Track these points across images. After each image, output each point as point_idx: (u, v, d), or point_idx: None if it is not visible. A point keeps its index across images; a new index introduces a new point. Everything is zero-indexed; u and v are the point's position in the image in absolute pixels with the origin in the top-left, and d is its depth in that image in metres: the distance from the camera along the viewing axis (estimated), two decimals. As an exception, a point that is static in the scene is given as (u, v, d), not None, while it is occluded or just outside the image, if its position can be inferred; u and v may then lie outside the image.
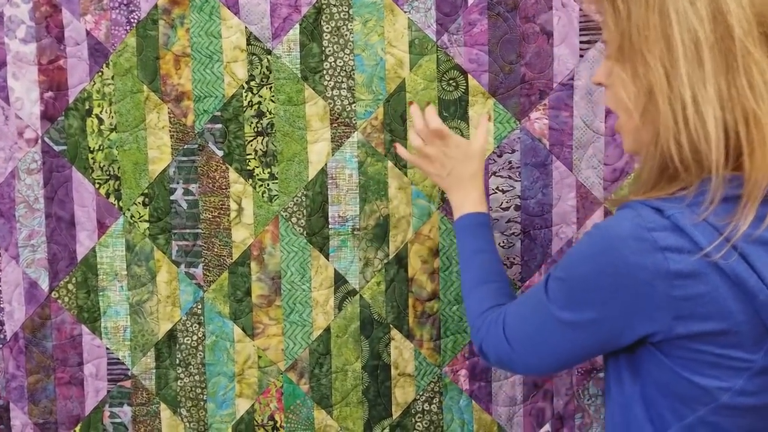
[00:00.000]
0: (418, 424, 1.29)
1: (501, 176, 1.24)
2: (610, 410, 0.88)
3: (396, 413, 1.29)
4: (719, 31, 0.75)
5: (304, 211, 1.27)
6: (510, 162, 1.24)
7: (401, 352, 1.28)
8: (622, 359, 0.83)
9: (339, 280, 1.27)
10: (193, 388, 1.31)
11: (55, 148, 1.29)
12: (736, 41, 0.75)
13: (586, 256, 0.79)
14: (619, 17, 0.81)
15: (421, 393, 1.28)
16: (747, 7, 0.75)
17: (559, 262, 0.85)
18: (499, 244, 1.25)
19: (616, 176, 1.23)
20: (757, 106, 0.75)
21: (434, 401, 1.28)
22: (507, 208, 1.25)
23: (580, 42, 1.22)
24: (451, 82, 1.24)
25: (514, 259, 1.25)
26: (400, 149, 1.14)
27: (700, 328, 0.75)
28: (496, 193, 1.25)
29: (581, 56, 1.22)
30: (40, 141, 1.29)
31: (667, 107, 0.77)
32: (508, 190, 1.25)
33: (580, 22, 1.21)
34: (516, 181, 1.24)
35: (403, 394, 1.28)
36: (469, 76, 1.23)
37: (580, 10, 1.21)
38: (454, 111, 1.24)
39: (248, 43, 1.25)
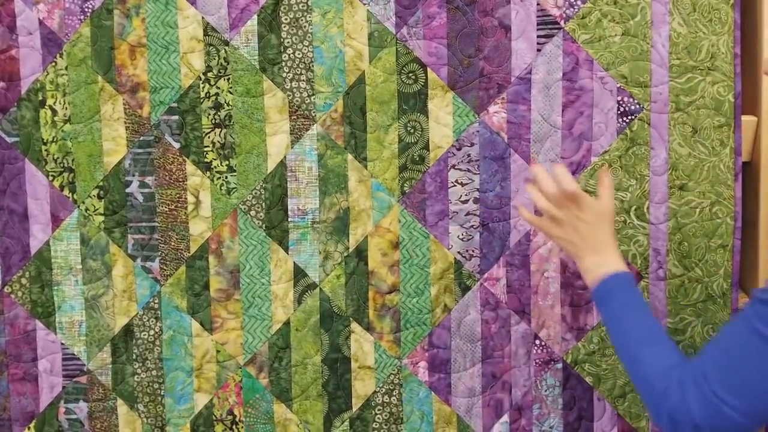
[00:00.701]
0: (378, 416, 1.29)
1: (460, 169, 1.25)
2: None
3: (356, 405, 1.29)
4: None
5: (263, 204, 1.26)
6: (469, 155, 1.25)
7: (361, 345, 1.28)
8: None
9: (299, 273, 1.27)
10: (151, 384, 1.29)
11: (8, 139, 1.26)
12: None
13: None
14: None
15: (381, 385, 1.29)
16: None
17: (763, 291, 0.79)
18: (458, 236, 1.26)
19: (572, 169, 1.25)
20: None
21: (394, 393, 1.29)
22: (466, 201, 1.25)
23: (538, 36, 1.23)
24: (410, 75, 1.24)
25: (473, 251, 1.26)
26: (523, 211, 1.11)
27: None
28: (455, 186, 1.25)
29: (539, 50, 1.23)
30: (-10, 132, 1.26)
31: None
32: (467, 183, 1.25)
33: (538, 17, 1.22)
34: (475, 174, 1.25)
35: (363, 386, 1.29)
36: (429, 69, 1.24)
37: (538, 4, 1.22)
38: (414, 104, 1.24)
39: (205, 34, 1.24)
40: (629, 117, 1.23)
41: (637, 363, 0.93)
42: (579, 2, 1.22)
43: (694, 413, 0.83)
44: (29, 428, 1.31)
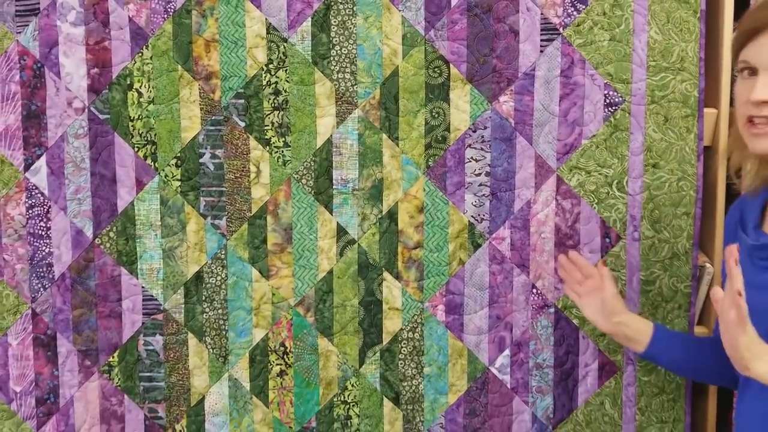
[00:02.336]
0: (404, 349, 1.57)
1: (474, 148, 1.53)
2: None
3: (386, 340, 1.57)
4: None
5: (312, 173, 1.53)
6: (482, 136, 1.52)
7: (391, 290, 1.56)
8: None
9: (341, 231, 1.55)
10: (216, 320, 1.57)
11: (100, 116, 1.52)
12: None
13: None
14: None
15: (406, 324, 1.57)
16: None
17: None
18: (472, 203, 1.54)
19: (566, 150, 1.53)
20: None
21: (417, 330, 1.57)
22: (479, 174, 1.53)
23: (541, 40, 1.50)
24: (436, 69, 1.51)
25: (483, 215, 1.54)
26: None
27: None
28: (470, 162, 1.53)
29: (541, 51, 1.50)
30: (86, 110, 1.52)
31: None
32: (480, 160, 1.53)
33: (541, 24, 1.49)
34: (486, 152, 1.53)
35: (391, 324, 1.57)
36: (451, 65, 1.51)
37: (542, 14, 1.49)
38: (438, 94, 1.51)
39: (267, 32, 1.50)
40: (613, 107, 1.51)
41: None
42: (575, 13, 1.49)
43: None
44: (113, 357, 1.58)
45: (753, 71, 1.12)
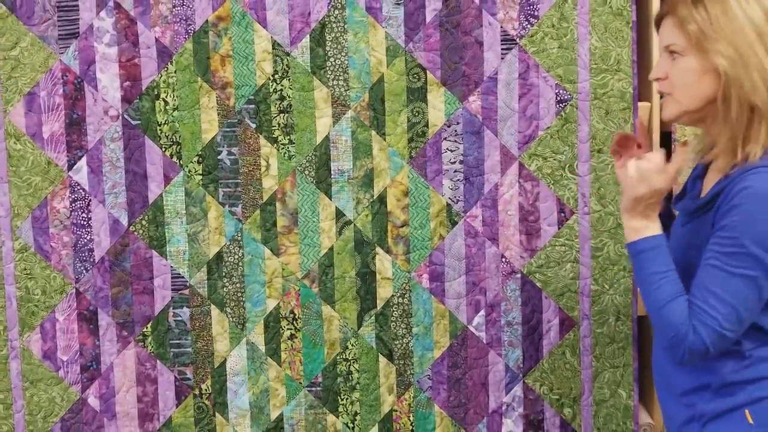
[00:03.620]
0: (395, 312, 1.86)
1: (449, 140, 1.82)
2: None
3: (379, 305, 1.85)
4: None
5: (314, 165, 1.81)
6: (456, 131, 1.82)
7: (383, 262, 1.84)
8: None
9: (339, 214, 1.83)
10: (235, 293, 1.84)
11: (132, 122, 1.79)
12: None
13: (760, 214, 1.16)
14: (698, 23, 1.22)
15: (396, 291, 1.85)
16: None
17: (731, 243, 1.18)
18: (449, 187, 1.83)
19: (526, 140, 1.82)
20: None
21: (405, 296, 1.85)
22: (454, 162, 1.82)
23: (501, 49, 1.80)
24: (415, 75, 1.80)
25: (459, 197, 1.83)
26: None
27: None
28: (446, 152, 1.82)
29: (502, 58, 1.80)
30: (120, 117, 1.79)
31: (753, 75, 1.19)
32: (454, 150, 1.82)
33: (501, 36, 1.79)
34: (459, 144, 1.82)
35: (384, 291, 1.85)
36: (428, 71, 1.80)
37: (501, 27, 1.79)
38: (417, 96, 1.80)
39: (273, 48, 1.78)
40: (563, 103, 1.81)
41: (663, 315, 1.24)
42: (529, 26, 1.79)
43: (707, 344, 1.20)
44: (147, 327, 1.85)
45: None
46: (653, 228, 1.30)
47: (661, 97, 1.35)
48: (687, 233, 1.34)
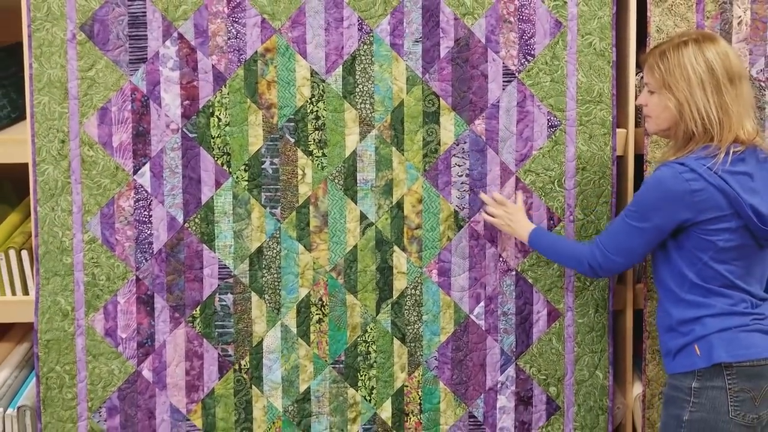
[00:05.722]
0: (408, 302, 2.18)
1: (458, 157, 2.15)
2: (663, 283, 1.80)
3: (395, 295, 2.18)
4: (714, 76, 1.71)
5: (342, 175, 2.14)
6: (463, 149, 2.15)
7: (399, 259, 2.17)
8: (669, 243, 1.76)
9: (363, 217, 2.15)
10: (273, 282, 2.15)
11: (190, 135, 2.11)
12: (720, 80, 1.71)
13: (650, 191, 1.72)
14: (661, 71, 1.75)
15: (410, 283, 2.17)
16: (721, 64, 1.71)
17: (630, 204, 1.78)
18: (456, 196, 2.16)
19: (522, 158, 2.16)
20: (727, 111, 1.71)
21: (417, 288, 2.18)
22: (461, 175, 2.16)
23: (503, 81, 2.14)
24: (430, 101, 2.14)
25: (465, 205, 2.16)
26: (485, 215, 2.12)
27: (707, 216, 1.69)
28: (455, 167, 2.16)
29: (503, 89, 2.14)
30: (180, 131, 2.11)
31: (693, 111, 1.71)
32: (462, 165, 2.16)
33: (503, 70, 2.14)
34: (466, 160, 2.16)
35: (399, 284, 2.17)
36: (441, 98, 2.14)
37: (503, 63, 2.13)
38: (432, 118, 2.14)
39: (311, 75, 2.11)
40: (554, 128, 2.15)
41: (568, 258, 1.93)
42: (526, 62, 2.14)
43: (600, 265, 1.83)
44: (196, 310, 2.15)
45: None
46: (530, 227, 2.04)
47: (644, 118, 1.90)
48: None
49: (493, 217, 2.09)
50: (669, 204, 1.72)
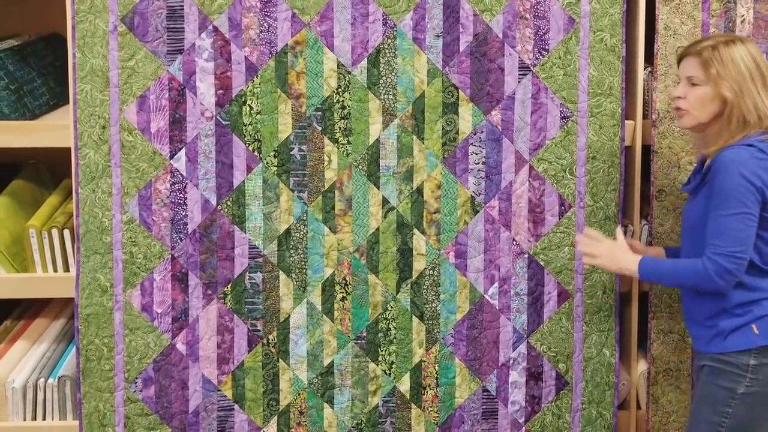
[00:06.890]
0: (426, 281, 2.31)
1: (475, 145, 2.28)
2: None
3: (414, 275, 2.31)
4: (759, 69, 1.86)
5: (366, 162, 2.27)
6: (480, 138, 2.28)
7: (418, 241, 2.30)
8: None
9: (385, 201, 2.28)
10: (299, 262, 2.29)
11: (223, 122, 2.24)
12: (765, 74, 1.86)
13: (734, 176, 1.79)
14: (717, 65, 1.87)
15: (428, 264, 2.31)
16: (762, 60, 1.87)
17: (718, 200, 1.82)
18: (473, 183, 2.29)
19: (535, 147, 2.29)
20: None
21: (435, 269, 2.31)
22: (478, 163, 2.29)
23: (519, 74, 2.27)
24: (449, 93, 2.26)
25: (481, 191, 2.29)
26: (585, 259, 2.08)
27: None
28: (472, 155, 2.28)
29: (519, 81, 2.27)
30: (214, 118, 2.24)
31: (749, 101, 1.84)
32: (478, 153, 2.28)
33: (519, 64, 2.26)
34: (483, 148, 2.28)
35: (419, 265, 2.30)
36: (459, 90, 2.26)
37: (519, 57, 2.26)
38: (451, 108, 2.27)
39: (338, 67, 2.24)
40: (566, 119, 2.28)
41: (691, 276, 1.87)
42: (540, 57, 2.26)
43: (727, 269, 1.81)
44: (227, 288, 2.29)
45: (680, 80, 1.98)
46: (635, 258, 1.98)
47: (677, 109, 1.97)
48: (694, 206, 1.95)
49: (593, 257, 2.03)
50: (755, 180, 1.81)
